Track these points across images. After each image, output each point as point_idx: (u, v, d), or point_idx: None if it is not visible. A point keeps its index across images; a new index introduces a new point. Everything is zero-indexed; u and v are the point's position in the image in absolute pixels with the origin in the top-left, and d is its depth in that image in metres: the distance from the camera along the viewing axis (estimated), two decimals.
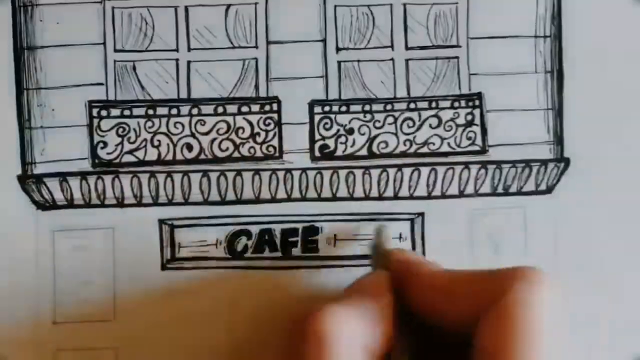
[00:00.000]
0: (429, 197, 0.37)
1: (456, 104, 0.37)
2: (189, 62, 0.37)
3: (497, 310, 0.27)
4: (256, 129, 0.37)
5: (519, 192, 0.37)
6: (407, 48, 0.37)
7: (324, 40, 0.37)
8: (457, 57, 0.37)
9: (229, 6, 0.37)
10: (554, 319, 0.27)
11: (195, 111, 0.37)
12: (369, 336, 0.28)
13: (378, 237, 0.35)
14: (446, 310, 0.29)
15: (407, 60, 0.37)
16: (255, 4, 0.37)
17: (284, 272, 0.37)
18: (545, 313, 0.27)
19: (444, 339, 0.30)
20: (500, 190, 0.37)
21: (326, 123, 0.37)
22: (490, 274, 0.29)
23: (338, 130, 0.37)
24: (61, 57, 0.36)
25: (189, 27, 0.37)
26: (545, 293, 0.27)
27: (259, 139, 0.37)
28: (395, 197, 0.37)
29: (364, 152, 0.37)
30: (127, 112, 0.36)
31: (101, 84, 0.36)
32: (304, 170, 0.37)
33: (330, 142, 0.37)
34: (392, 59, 0.37)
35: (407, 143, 0.37)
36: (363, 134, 0.37)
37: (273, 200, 0.37)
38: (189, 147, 0.37)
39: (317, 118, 0.37)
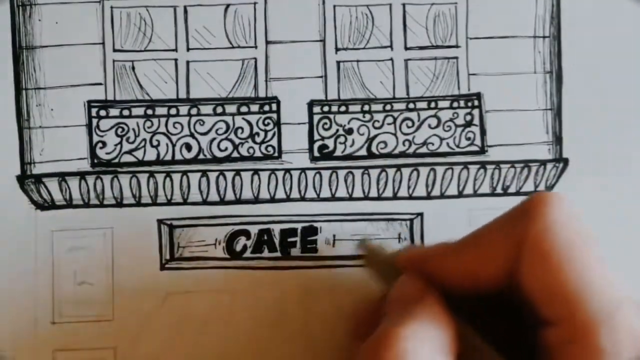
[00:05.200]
0: (428, 197, 0.37)
1: (455, 104, 0.37)
2: (188, 62, 0.37)
3: (535, 242, 0.27)
4: (255, 129, 0.37)
5: (518, 193, 0.37)
6: (406, 48, 0.37)
7: (323, 41, 0.37)
8: (456, 57, 0.37)
9: (228, 6, 0.37)
10: (586, 227, 0.28)
11: (194, 111, 0.37)
12: (443, 341, 0.28)
13: (369, 250, 0.34)
14: (481, 270, 0.29)
15: (406, 61, 0.37)
16: (255, 3, 0.37)
17: (283, 272, 0.37)
18: (577, 224, 0.28)
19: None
20: (499, 190, 0.37)
21: (325, 123, 0.37)
22: (508, 214, 0.29)
23: (337, 131, 0.37)
24: (60, 57, 0.36)
25: (188, 27, 0.37)
26: (568, 207, 0.28)
27: (258, 139, 0.37)
28: (394, 197, 0.37)
29: (363, 152, 0.37)
30: (126, 112, 0.36)
31: (100, 83, 0.36)
32: (303, 170, 0.37)
33: (330, 142, 0.37)
34: (391, 59, 0.37)
35: (406, 143, 0.37)
36: (362, 134, 0.37)
37: (272, 200, 0.37)
38: (188, 147, 0.37)
39: (316, 118, 0.37)
